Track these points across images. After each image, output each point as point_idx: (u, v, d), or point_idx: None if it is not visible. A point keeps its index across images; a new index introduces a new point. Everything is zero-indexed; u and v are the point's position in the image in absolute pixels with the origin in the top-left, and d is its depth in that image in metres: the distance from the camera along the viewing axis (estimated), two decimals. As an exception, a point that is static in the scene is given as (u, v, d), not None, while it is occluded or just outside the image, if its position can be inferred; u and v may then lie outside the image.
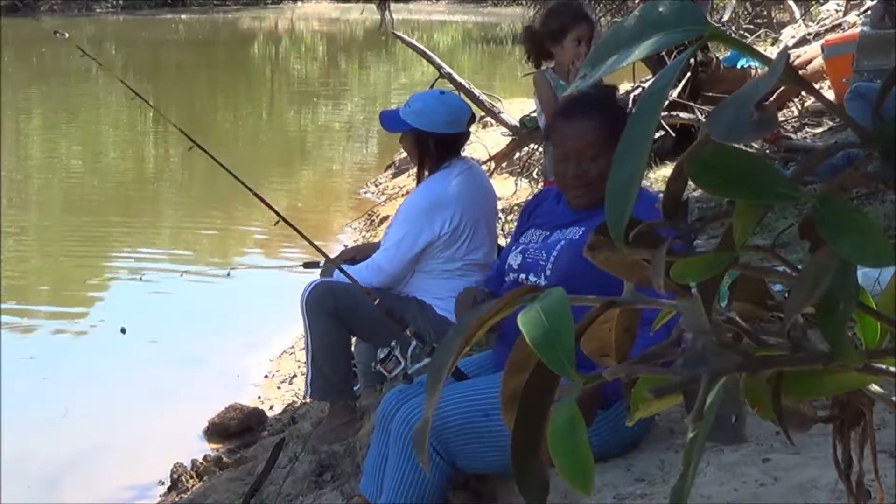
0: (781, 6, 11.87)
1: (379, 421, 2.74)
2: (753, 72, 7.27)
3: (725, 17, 10.26)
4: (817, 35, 8.89)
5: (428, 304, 3.60)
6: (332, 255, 4.11)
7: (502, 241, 5.73)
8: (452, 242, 3.64)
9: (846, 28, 8.76)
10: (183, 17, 35.35)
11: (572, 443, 0.66)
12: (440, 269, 3.65)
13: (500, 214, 7.02)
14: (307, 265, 4.01)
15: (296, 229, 3.52)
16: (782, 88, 6.68)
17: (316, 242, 3.77)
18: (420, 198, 3.72)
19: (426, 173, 3.75)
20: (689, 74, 7.01)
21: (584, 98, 2.55)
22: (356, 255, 3.89)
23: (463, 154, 3.82)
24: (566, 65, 3.88)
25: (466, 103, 3.87)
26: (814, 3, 11.84)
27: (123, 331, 5.02)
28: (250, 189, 3.65)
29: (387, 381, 3.39)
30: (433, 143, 3.66)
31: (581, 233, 2.54)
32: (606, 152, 2.44)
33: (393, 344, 2.67)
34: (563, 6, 4.05)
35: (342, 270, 3.47)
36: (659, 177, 6.18)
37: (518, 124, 7.97)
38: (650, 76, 7.46)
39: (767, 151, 5.91)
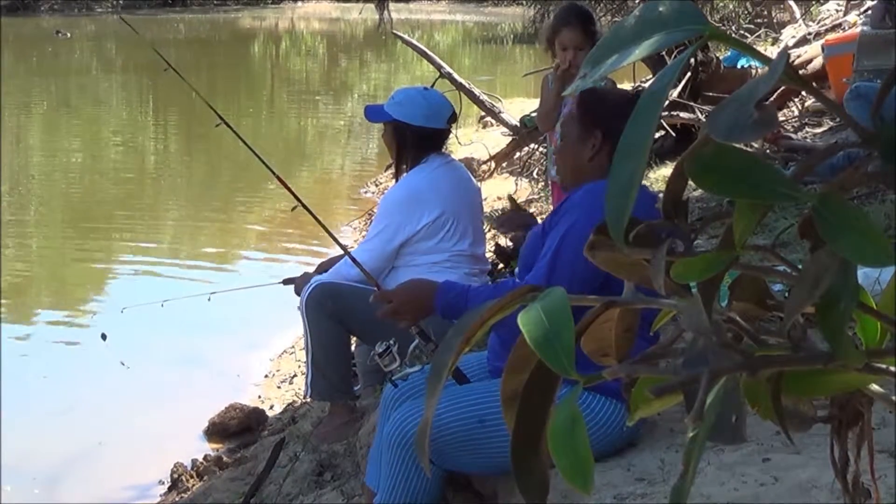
0: (782, 6, 11.87)
1: (381, 414, 2.76)
2: (754, 72, 7.27)
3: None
4: (817, 35, 8.89)
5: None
6: (332, 255, 4.11)
7: (502, 241, 5.74)
8: (433, 234, 3.65)
9: (846, 28, 8.76)
10: (186, 16, 35.35)
11: (572, 442, 0.66)
12: (429, 262, 3.66)
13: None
14: (287, 281, 4.00)
15: (314, 216, 3.53)
16: (782, 88, 6.68)
17: (315, 242, 3.77)
18: (398, 192, 3.77)
19: (404, 167, 3.78)
20: (689, 74, 7.01)
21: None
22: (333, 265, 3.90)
23: (444, 151, 3.84)
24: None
25: (449, 101, 3.88)
26: (814, 2, 11.84)
27: (104, 337, 4.84)
28: (274, 173, 3.69)
29: (386, 378, 3.39)
30: (411, 136, 3.69)
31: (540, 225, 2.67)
32: (570, 133, 2.63)
33: (392, 341, 2.67)
34: (564, 9, 4.04)
35: (352, 258, 3.50)
36: (659, 177, 6.18)
37: (518, 124, 7.97)
38: (650, 76, 7.46)
39: (767, 151, 5.91)
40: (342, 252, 3.73)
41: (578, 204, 2.48)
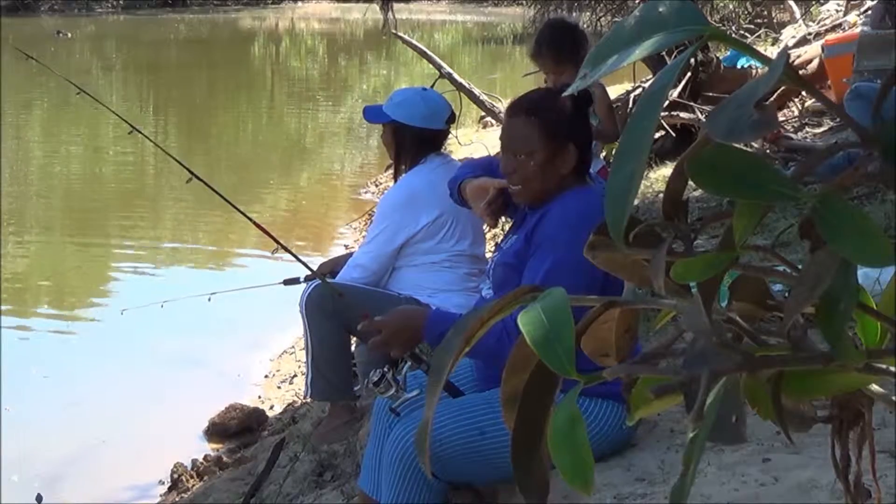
0: (782, 6, 11.87)
1: (375, 416, 2.75)
2: (754, 72, 7.27)
3: None
4: (817, 35, 8.89)
5: (424, 304, 3.59)
6: (332, 256, 4.11)
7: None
8: (433, 234, 3.65)
9: (846, 28, 8.77)
10: (186, 16, 35.37)
11: (572, 443, 0.66)
12: (427, 262, 3.66)
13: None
14: (287, 282, 3.99)
15: (293, 254, 3.46)
16: (782, 88, 6.68)
17: (316, 242, 3.76)
18: (396, 193, 3.76)
19: (403, 168, 3.78)
20: (689, 74, 7.01)
21: (525, 99, 2.60)
22: (335, 266, 3.88)
23: (443, 151, 3.83)
24: None
25: (447, 102, 3.88)
26: (814, 3, 11.84)
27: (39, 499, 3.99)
28: (250, 218, 3.63)
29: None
30: (410, 137, 3.69)
31: (513, 241, 2.56)
32: (540, 152, 2.46)
33: (385, 368, 2.65)
34: (538, 36, 3.99)
35: (328, 284, 3.46)
36: (659, 177, 6.18)
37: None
38: (650, 76, 7.46)
39: (767, 151, 5.91)
40: (343, 253, 3.71)
41: (554, 237, 2.39)
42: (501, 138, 2.59)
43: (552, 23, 4.13)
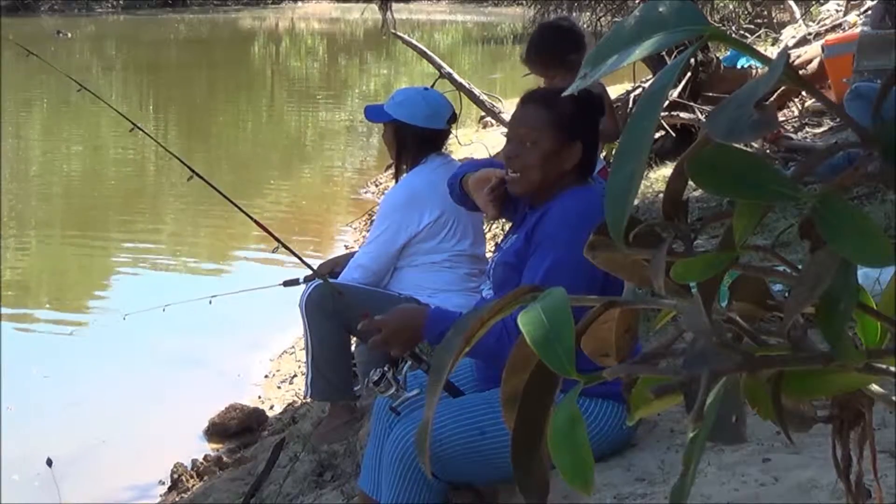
0: (782, 6, 11.86)
1: (375, 416, 2.75)
2: (754, 72, 7.26)
3: None
4: (817, 35, 8.89)
5: (424, 303, 3.59)
6: (332, 256, 4.10)
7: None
8: (434, 234, 3.65)
9: (846, 28, 8.77)
10: (186, 16, 35.36)
11: (572, 443, 0.66)
12: (428, 262, 3.66)
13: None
14: (287, 283, 3.99)
15: (293, 253, 3.46)
16: (782, 88, 6.68)
17: (316, 241, 3.76)
18: (398, 193, 3.76)
19: (404, 168, 3.78)
20: (689, 74, 7.01)
21: (542, 90, 2.66)
22: (335, 266, 3.88)
23: (444, 151, 3.83)
24: None
25: (449, 102, 3.87)
26: (814, 3, 11.84)
27: (49, 462, 4.12)
28: (250, 216, 3.64)
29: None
30: (411, 137, 3.69)
31: (513, 240, 2.56)
32: (547, 142, 2.46)
33: (386, 367, 2.64)
34: (530, 40, 3.95)
35: (328, 283, 3.46)
36: (659, 177, 6.18)
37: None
38: (650, 76, 7.46)
39: (768, 151, 5.91)
40: (344, 253, 3.70)
41: (554, 236, 2.39)
42: (510, 125, 2.60)
43: (542, 27, 4.10)
